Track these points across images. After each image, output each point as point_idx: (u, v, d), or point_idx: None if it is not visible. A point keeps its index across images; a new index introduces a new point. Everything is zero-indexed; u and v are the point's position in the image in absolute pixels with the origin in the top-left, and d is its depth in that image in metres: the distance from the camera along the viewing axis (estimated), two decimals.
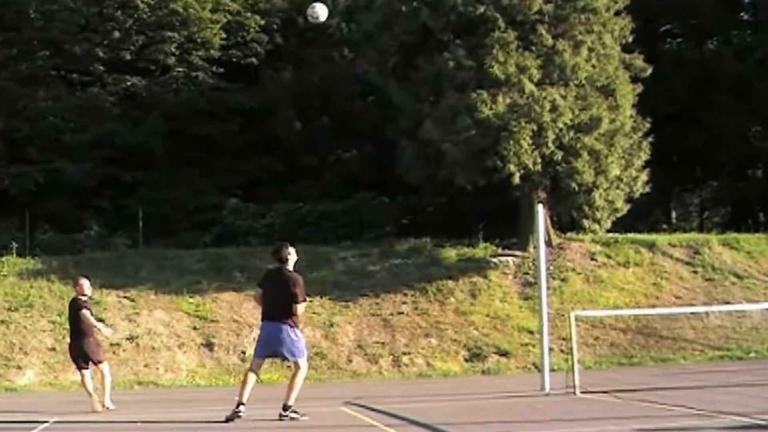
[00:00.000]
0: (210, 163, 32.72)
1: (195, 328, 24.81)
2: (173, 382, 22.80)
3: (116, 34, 33.71)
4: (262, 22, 34.06)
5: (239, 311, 25.59)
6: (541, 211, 17.85)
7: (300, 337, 13.28)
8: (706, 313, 26.46)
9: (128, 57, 33.65)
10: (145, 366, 23.37)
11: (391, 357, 24.39)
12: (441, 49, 27.18)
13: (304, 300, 13.27)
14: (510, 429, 11.56)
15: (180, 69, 33.44)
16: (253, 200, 31.66)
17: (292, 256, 13.63)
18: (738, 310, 26.65)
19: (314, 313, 25.64)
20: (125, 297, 25.77)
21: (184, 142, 32.41)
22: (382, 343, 24.87)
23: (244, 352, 23.86)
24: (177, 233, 30.58)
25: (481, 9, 26.74)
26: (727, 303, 27.02)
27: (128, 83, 32.96)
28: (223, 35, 33.33)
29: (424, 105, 27.47)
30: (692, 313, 26.24)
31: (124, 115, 32.76)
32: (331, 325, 25.30)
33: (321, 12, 16.77)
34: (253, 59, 34.12)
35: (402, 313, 26.05)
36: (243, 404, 12.88)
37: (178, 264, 27.72)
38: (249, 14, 34.00)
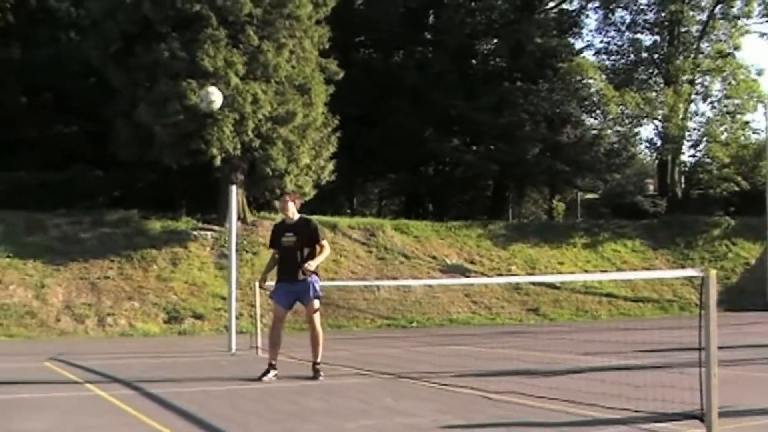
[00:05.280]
0: None
1: None
2: None
3: None
4: None
5: None
6: (235, 191, 17.81)
7: None
8: (377, 287, 27.22)
9: None
10: None
11: (97, 317, 23.74)
12: (159, 40, 26.68)
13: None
14: (196, 384, 11.46)
15: None
16: None
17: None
18: (404, 285, 27.58)
19: (27, 274, 24.72)
20: None
21: None
22: (89, 305, 24.16)
23: None
24: None
25: (197, 7, 26.43)
26: (396, 279, 27.84)
27: None
28: None
29: (139, 89, 26.89)
30: (365, 287, 26.93)
31: None
32: (42, 287, 24.34)
33: (215, 98, 15.07)
34: None
35: (108, 277, 25.44)
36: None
37: None
38: None
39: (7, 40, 32.86)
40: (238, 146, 26.40)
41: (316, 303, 11.80)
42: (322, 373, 11.66)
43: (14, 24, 33.03)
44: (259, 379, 11.58)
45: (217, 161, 26.16)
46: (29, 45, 33.22)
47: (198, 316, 24.42)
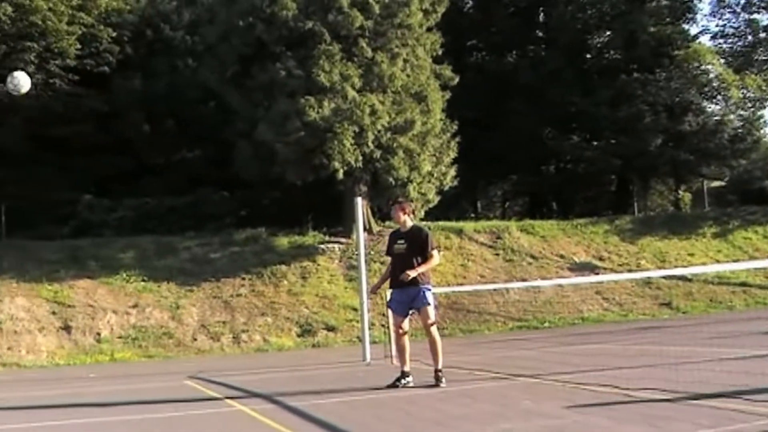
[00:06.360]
0: (66, 162, 31.70)
1: (54, 313, 24.04)
2: (35, 362, 21.99)
3: None
4: (114, 34, 33.09)
5: (94, 296, 24.97)
6: (360, 202, 17.92)
7: None
8: (507, 290, 27.05)
9: None
10: (9, 349, 22.45)
11: (232, 334, 24.20)
12: (274, 59, 27.12)
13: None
14: (335, 395, 11.53)
15: (39, 76, 32.31)
16: (106, 196, 30.89)
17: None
18: (534, 286, 27.35)
19: (162, 296, 25.42)
20: None
21: (42, 142, 31.32)
22: (223, 323, 24.66)
23: (99, 334, 23.35)
24: (37, 227, 29.59)
25: (310, 24, 26.78)
26: (525, 280, 27.63)
27: None
28: (78, 46, 32.22)
29: (258, 110, 27.35)
30: (495, 290, 26.81)
31: None
32: (177, 308, 24.97)
33: (23, 83, 14.58)
34: (106, 68, 33.16)
35: (240, 295, 25.93)
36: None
37: (37, 254, 26.85)
38: (102, 27, 32.98)
39: (128, 71, 33.83)
40: (360, 158, 26.60)
41: (431, 312, 11.61)
42: (443, 380, 11.50)
43: (133, 56, 34.01)
44: (391, 386, 11.61)
45: (340, 174, 26.42)
46: (148, 75, 34.15)
47: (330, 328, 24.68)
